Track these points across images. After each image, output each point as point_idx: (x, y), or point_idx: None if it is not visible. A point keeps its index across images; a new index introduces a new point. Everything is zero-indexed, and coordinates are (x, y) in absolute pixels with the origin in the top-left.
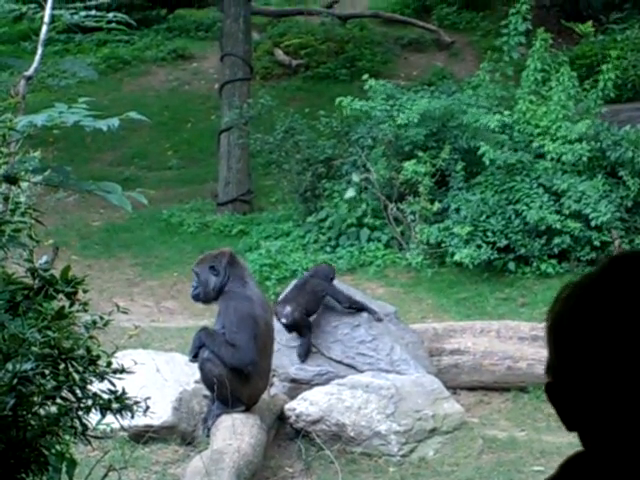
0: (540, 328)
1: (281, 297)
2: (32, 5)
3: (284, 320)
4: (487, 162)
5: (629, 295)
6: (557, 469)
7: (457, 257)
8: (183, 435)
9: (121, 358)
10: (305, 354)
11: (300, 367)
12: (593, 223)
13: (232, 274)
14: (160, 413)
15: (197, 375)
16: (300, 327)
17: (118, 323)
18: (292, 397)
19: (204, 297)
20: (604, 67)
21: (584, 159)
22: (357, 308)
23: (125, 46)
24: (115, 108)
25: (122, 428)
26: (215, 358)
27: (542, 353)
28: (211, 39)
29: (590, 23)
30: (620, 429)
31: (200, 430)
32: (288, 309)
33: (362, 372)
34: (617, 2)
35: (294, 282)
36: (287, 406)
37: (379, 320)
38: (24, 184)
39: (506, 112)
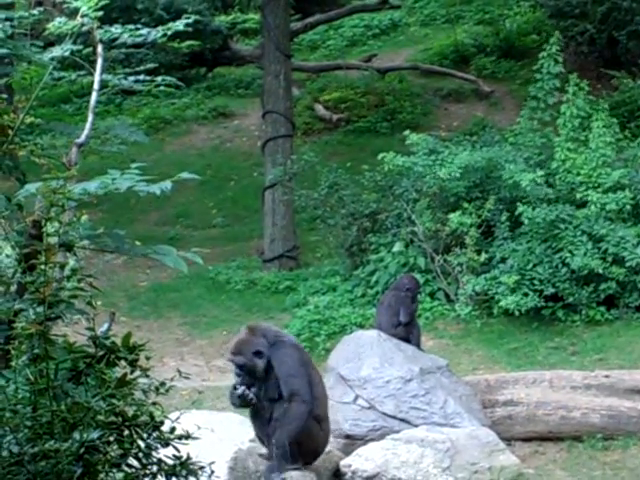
0: (592, 377)
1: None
2: (81, 72)
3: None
4: (526, 221)
5: None
6: None
7: (503, 303)
8: None
9: (177, 420)
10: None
11: (354, 423)
12: (628, 264)
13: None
14: (216, 473)
15: (252, 434)
16: (401, 339)
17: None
18: (347, 453)
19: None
20: None
21: (628, 207)
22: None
23: (166, 106)
24: (158, 168)
25: None
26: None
27: (595, 402)
28: (251, 96)
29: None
30: None
31: None
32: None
33: (416, 426)
34: None
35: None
36: (342, 462)
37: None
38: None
39: (539, 171)
